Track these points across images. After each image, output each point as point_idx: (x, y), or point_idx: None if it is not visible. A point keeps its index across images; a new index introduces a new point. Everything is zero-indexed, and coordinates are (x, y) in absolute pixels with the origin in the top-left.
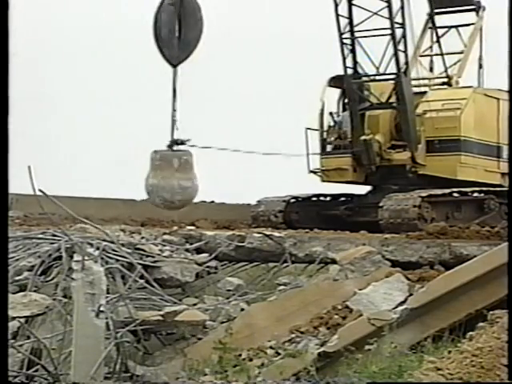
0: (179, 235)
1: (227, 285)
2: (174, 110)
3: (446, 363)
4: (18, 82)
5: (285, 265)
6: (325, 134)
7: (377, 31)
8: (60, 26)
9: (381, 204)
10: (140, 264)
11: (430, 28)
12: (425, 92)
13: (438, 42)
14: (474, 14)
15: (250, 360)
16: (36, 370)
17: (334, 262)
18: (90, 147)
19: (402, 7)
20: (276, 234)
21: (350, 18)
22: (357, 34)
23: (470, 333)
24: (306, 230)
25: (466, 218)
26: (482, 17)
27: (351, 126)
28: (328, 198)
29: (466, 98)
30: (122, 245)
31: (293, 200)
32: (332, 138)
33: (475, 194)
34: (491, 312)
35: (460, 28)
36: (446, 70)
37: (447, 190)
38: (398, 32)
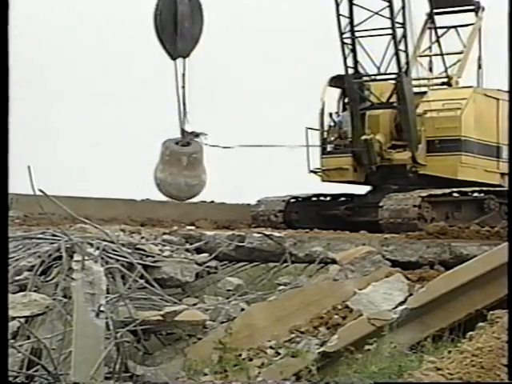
0: (179, 235)
1: (227, 285)
2: (183, 103)
3: (446, 363)
4: (18, 81)
5: (285, 265)
6: (325, 133)
7: (378, 31)
8: (59, 25)
9: (381, 204)
10: (140, 264)
11: (429, 28)
12: (425, 92)
13: (437, 42)
14: (473, 14)
15: (250, 360)
16: (36, 370)
17: (333, 261)
18: (90, 147)
19: (403, 7)
20: (276, 233)
21: (351, 17)
22: (357, 34)
23: (470, 333)
24: (306, 230)
25: (466, 217)
26: (482, 17)
27: (352, 125)
28: (328, 198)
29: (466, 98)
30: (122, 245)
31: (293, 200)
32: (332, 138)
33: (475, 194)
34: (491, 312)
35: (459, 28)
36: (445, 70)
37: (447, 190)
38: (399, 32)
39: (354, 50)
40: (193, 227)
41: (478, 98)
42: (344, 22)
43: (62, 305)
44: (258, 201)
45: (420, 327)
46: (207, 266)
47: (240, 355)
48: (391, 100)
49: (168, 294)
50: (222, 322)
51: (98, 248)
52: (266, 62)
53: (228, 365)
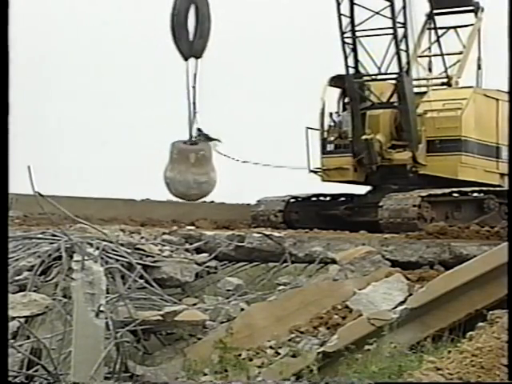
0: (179, 235)
1: (227, 285)
2: (193, 103)
3: (446, 363)
4: (18, 81)
5: (284, 265)
6: (325, 133)
7: (378, 31)
8: (59, 25)
9: (380, 204)
10: (140, 264)
11: (428, 29)
12: (425, 92)
13: (438, 42)
14: (472, 14)
15: (250, 360)
16: (36, 370)
17: (333, 261)
18: (90, 147)
19: (404, 7)
20: (276, 233)
21: (352, 17)
22: (358, 34)
23: (470, 333)
24: (306, 230)
25: (466, 217)
26: (481, 18)
27: (352, 125)
28: (328, 198)
29: (466, 98)
30: (122, 245)
31: (292, 200)
32: (332, 138)
33: (475, 194)
34: (491, 312)
35: (458, 29)
36: (445, 71)
37: (447, 190)
38: (400, 32)
39: (354, 50)
40: (192, 227)
41: (478, 99)
42: (345, 21)
43: (61, 305)
44: (258, 201)
45: (420, 327)
46: (207, 266)
47: (240, 355)
48: (392, 100)
49: (168, 294)
50: (222, 322)
51: (97, 248)
52: (266, 62)
53: (228, 365)
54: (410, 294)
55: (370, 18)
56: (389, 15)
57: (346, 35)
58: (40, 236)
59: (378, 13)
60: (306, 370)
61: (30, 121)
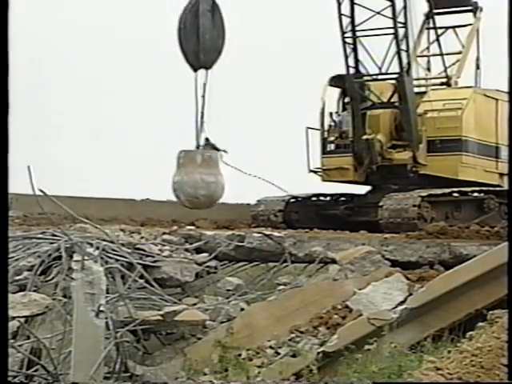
0: (179, 235)
1: (227, 284)
2: (201, 112)
3: (446, 363)
4: (19, 81)
5: (284, 265)
6: (325, 133)
7: (379, 30)
8: (59, 24)
9: (380, 204)
10: (140, 264)
11: (427, 29)
12: (425, 92)
13: (438, 42)
14: (471, 14)
15: (250, 360)
16: (36, 370)
17: (333, 261)
18: (90, 147)
19: (405, 7)
20: (276, 233)
21: (352, 17)
22: (359, 34)
23: (470, 333)
24: (306, 230)
25: (466, 217)
26: (480, 18)
27: (352, 125)
28: (328, 198)
29: (466, 98)
30: (122, 245)
31: (292, 200)
32: (333, 138)
33: (475, 194)
34: (491, 312)
35: (457, 29)
36: (445, 70)
37: (447, 190)
38: (401, 31)
39: (355, 50)
40: (192, 227)
41: (478, 99)
42: (345, 21)
43: (61, 305)
44: (258, 201)
45: (420, 327)
46: (207, 266)
47: (240, 355)
48: (392, 100)
49: (168, 293)
50: (222, 322)
51: (97, 248)
52: (266, 62)
53: (228, 365)
54: (410, 294)
55: (370, 17)
56: (389, 15)
57: (346, 35)
58: (40, 236)
59: (378, 13)
60: (306, 369)
61: (31, 121)
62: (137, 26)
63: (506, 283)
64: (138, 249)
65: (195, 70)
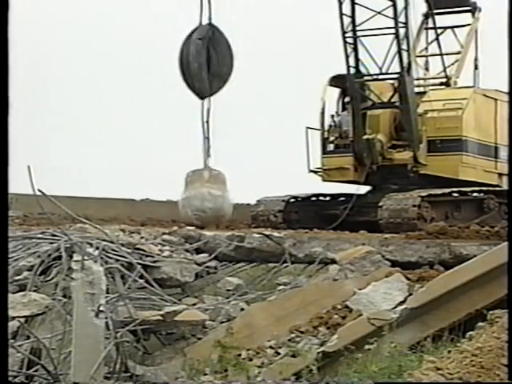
0: (179, 235)
1: (227, 285)
2: (206, 138)
3: (446, 363)
4: (19, 81)
5: (284, 265)
6: (326, 133)
7: (380, 30)
8: (59, 25)
9: (380, 204)
10: (140, 264)
11: (425, 29)
12: (425, 92)
13: (437, 42)
14: (469, 14)
15: (250, 360)
16: (36, 370)
17: (333, 261)
18: (90, 147)
19: (406, 7)
20: (275, 234)
21: (353, 16)
22: (360, 33)
23: (470, 333)
24: (306, 230)
25: (466, 217)
26: (478, 18)
27: (353, 125)
28: (327, 198)
29: (466, 98)
30: (122, 245)
31: (292, 200)
32: (333, 138)
33: (475, 194)
34: (491, 312)
35: (456, 29)
36: (444, 71)
37: (447, 190)
38: (402, 31)
39: (355, 49)
40: (192, 227)
41: (477, 99)
42: (346, 21)
43: (61, 305)
44: (258, 201)
45: (420, 327)
46: (207, 266)
47: (240, 355)
48: (393, 99)
49: (168, 293)
50: (222, 322)
51: (97, 248)
52: (266, 62)
53: (228, 365)
54: (410, 294)
55: (371, 17)
56: (390, 15)
57: (347, 35)
58: (40, 236)
59: (379, 13)
60: (306, 370)
61: (31, 121)
62: (136, 26)
63: (506, 283)
64: (138, 249)
65: (202, 99)
